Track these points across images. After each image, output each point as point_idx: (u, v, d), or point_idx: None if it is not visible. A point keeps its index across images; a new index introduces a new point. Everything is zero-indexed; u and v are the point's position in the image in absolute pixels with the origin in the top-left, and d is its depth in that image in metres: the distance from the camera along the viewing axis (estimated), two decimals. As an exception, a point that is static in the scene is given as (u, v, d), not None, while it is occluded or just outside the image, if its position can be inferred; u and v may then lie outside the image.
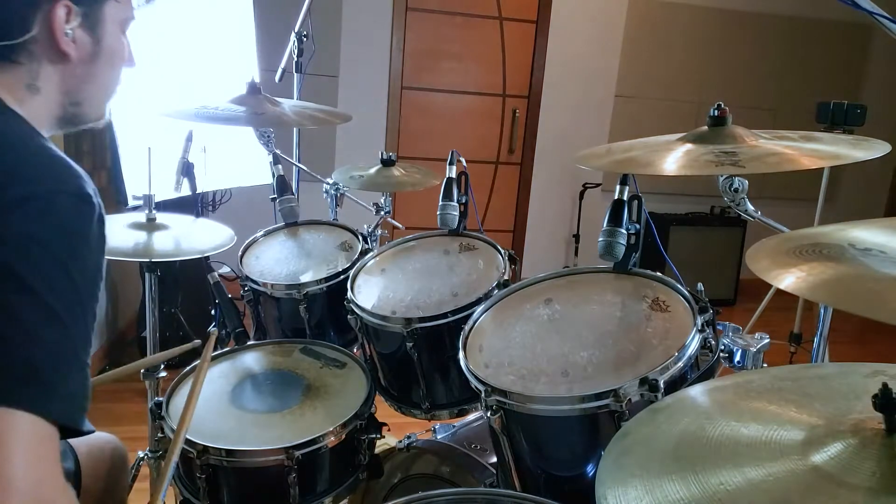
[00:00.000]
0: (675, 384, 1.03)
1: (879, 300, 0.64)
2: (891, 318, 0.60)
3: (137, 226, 1.68)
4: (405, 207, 4.52)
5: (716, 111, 1.19)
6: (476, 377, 1.14)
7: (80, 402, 0.76)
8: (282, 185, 1.86)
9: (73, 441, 1.25)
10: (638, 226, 1.23)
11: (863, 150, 1.08)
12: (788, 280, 0.72)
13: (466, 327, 1.28)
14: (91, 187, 0.80)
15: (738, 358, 1.12)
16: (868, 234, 0.78)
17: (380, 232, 1.95)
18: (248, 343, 1.58)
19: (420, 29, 4.62)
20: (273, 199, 1.88)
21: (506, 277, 1.43)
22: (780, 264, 0.74)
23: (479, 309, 1.32)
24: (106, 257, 0.82)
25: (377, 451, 1.45)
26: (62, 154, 0.82)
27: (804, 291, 0.69)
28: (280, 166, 1.89)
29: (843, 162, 1.06)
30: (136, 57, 0.99)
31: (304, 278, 1.67)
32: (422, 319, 1.39)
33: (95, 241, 0.79)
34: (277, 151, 1.93)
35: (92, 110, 0.94)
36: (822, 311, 1.37)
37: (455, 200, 1.59)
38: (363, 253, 1.70)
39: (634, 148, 1.27)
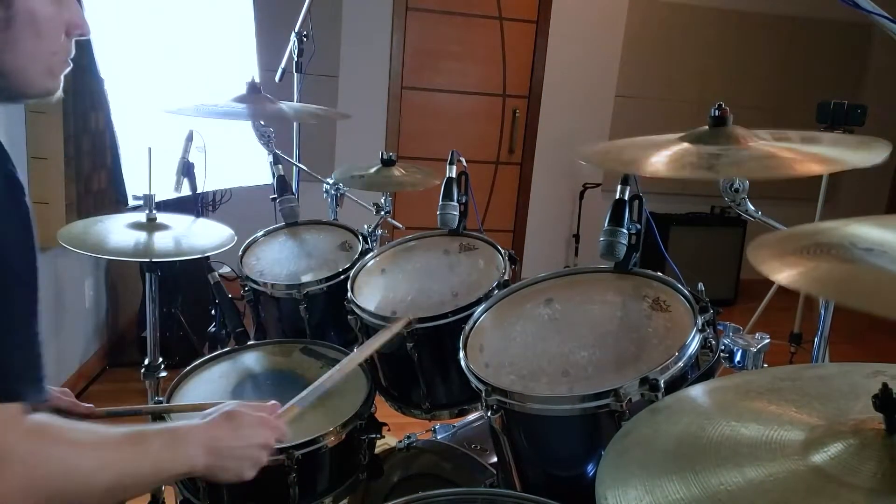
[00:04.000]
0: (676, 384, 1.03)
1: (882, 295, 0.64)
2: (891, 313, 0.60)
3: (137, 226, 1.68)
4: (405, 207, 4.51)
5: (716, 111, 1.19)
6: (476, 377, 1.14)
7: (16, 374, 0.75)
8: (282, 185, 1.86)
9: None
10: (639, 225, 1.23)
11: (866, 151, 1.07)
12: (789, 275, 0.71)
13: (467, 327, 1.28)
14: None
15: (738, 358, 1.12)
16: (869, 231, 0.78)
17: (380, 232, 1.95)
18: (249, 343, 1.58)
19: (420, 29, 4.62)
20: (273, 199, 1.89)
21: (506, 277, 1.43)
22: (783, 263, 0.73)
23: (480, 309, 1.32)
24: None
25: (377, 451, 1.45)
26: None
27: (806, 287, 0.69)
28: (280, 166, 1.89)
29: (844, 167, 1.06)
30: (88, 22, 0.89)
31: (305, 278, 1.67)
32: (422, 320, 1.38)
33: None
34: (278, 151, 1.94)
35: (28, 83, 0.86)
36: (822, 311, 1.37)
37: (455, 200, 1.59)
38: (363, 253, 1.70)
39: (634, 147, 1.27)
